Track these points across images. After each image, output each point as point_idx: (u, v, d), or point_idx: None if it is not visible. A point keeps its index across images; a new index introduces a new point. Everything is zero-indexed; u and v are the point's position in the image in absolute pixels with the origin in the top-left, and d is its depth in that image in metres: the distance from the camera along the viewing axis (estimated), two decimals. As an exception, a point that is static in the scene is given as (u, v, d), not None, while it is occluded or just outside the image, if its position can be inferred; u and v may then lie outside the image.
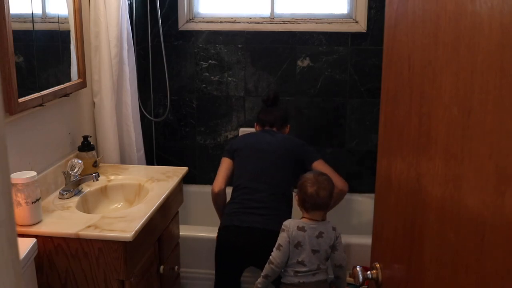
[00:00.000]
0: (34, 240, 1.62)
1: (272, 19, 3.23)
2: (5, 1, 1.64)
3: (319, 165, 2.55)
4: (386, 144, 1.19)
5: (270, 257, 2.12)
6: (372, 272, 1.24)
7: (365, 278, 1.23)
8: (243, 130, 3.31)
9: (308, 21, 3.19)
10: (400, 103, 1.07)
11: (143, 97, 3.03)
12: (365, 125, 3.26)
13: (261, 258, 2.23)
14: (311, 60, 3.20)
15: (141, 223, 1.76)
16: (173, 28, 3.26)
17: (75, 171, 2.04)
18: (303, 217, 2.17)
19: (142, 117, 2.88)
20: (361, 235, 2.72)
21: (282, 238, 2.11)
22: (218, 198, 2.54)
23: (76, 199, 2.00)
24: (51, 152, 2.09)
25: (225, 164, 2.58)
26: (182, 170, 2.34)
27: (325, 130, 3.30)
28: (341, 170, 3.34)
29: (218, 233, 2.41)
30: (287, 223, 2.14)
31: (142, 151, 2.73)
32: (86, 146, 2.24)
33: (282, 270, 2.13)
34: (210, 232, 2.63)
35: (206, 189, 2.90)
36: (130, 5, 2.81)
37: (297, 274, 2.09)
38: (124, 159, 2.57)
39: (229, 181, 2.56)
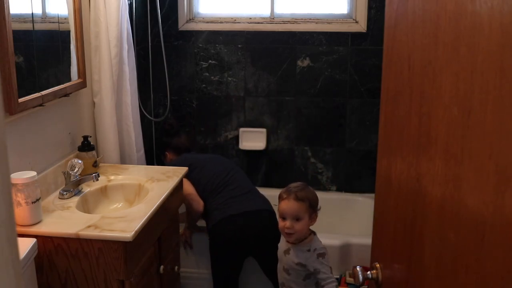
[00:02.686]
0: (34, 240, 1.62)
1: (272, 19, 3.23)
2: (5, 1, 1.64)
3: None
4: (386, 144, 1.19)
5: (328, 282, 1.94)
6: (372, 272, 1.24)
7: (365, 278, 1.23)
8: (243, 130, 3.31)
9: (308, 21, 3.19)
10: (400, 103, 1.07)
11: (143, 97, 3.03)
12: (365, 125, 3.26)
13: (260, 243, 2.22)
14: (311, 60, 3.20)
15: (141, 223, 1.76)
16: (173, 28, 3.26)
17: (75, 171, 2.04)
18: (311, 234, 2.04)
19: (142, 117, 2.88)
20: (361, 235, 2.73)
21: (328, 261, 1.99)
22: (200, 215, 2.55)
23: (76, 199, 2.00)
24: (51, 152, 2.09)
25: (189, 183, 2.53)
26: (182, 170, 2.34)
27: (325, 130, 3.30)
28: (341, 170, 3.35)
29: (213, 228, 2.41)
30: (322, 245, 2.01)
31: (142, 151, 2.73)
32: (86, 146, 2.24)
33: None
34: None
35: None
36: (130, 5, 2.81)
37: None
38: (124, 159, 2.57)
39: None
